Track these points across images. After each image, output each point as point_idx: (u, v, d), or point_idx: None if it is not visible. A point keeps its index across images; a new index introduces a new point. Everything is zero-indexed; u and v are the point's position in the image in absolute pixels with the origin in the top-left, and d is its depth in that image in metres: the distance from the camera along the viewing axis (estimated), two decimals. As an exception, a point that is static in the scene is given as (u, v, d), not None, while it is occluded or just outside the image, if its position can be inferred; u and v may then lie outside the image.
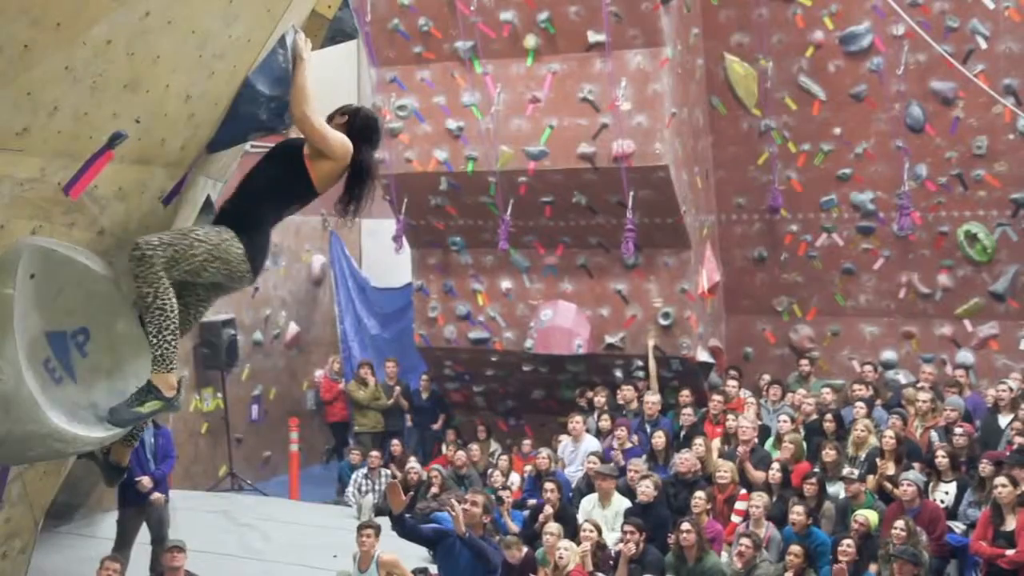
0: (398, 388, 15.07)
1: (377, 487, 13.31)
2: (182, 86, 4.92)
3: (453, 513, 6.90)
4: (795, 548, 9.47)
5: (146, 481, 9.82)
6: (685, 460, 11.28)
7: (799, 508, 9.88)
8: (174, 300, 4.91)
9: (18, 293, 4.63)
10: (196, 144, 5.39)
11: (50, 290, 4.79)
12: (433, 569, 10.86)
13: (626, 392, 13.28)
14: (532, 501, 11.78)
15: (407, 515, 7.20)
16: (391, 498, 6.97)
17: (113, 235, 5.16)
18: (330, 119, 5.54)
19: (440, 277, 14.75)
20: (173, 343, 4.89)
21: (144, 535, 10.03)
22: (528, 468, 12.81)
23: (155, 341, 4.87)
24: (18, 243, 4.70)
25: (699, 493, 10.54)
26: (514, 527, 11.35)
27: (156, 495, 9.92)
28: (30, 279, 4.71)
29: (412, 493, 12.39)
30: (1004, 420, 11.51)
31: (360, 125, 5.55)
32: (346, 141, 5.42)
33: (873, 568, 9.42)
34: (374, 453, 13.68)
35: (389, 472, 13.55)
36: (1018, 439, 10.65)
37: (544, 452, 12.57)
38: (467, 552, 6.79)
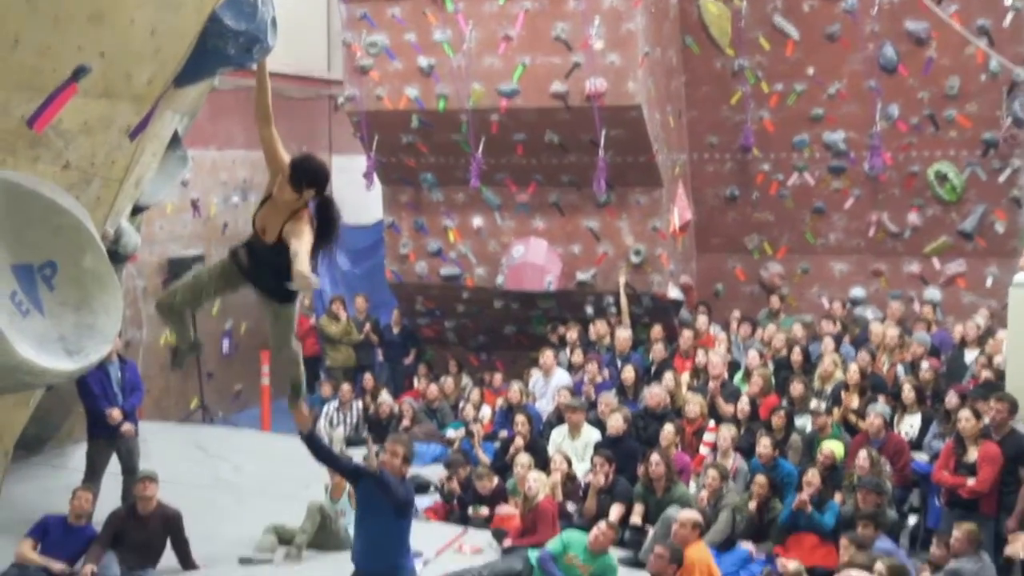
0: (368, 324, 15.12)
1: (348, 420, 13.42)
2: (148, 20, 4.89)
3: (369, 454, 6.96)
4: (760, 479, 9.66)
5: (116, 414, 9.85)
6: (654, 394, 11.41)
7: (766, 440, 10.04)
8: None
9: (-17, 226, 4.63)
10: (163, 78, 5.37)
11: (16, 224, 4.79)
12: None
13: (599, 327, 13.38)
14: (503, 433, 11.91)
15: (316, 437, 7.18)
16: (295, 417, 6.98)
17: (79, 169, 5.16)
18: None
19: (411, 214, 14.74)
20: None
21: (114, 466, 10.08)
22: (499, 402, 12.94)
23: None
24: (-18, 177, 4.69)
25: (668, 426, 10.69)
26: (485, 459, 11.51)
27: (126, 426, 9.95)
28: (-5, 212, 4.71)
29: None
30: (970, 356, 11.70)
31: (295, 178, 5.59)
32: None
33: (838, 498, 9.62)
34: (345, 386, 13.75)
35: (360, 405, 13.65)
36: (984, 373, 10.84)
37: (515, 386, 12.69)
38: (380, 492, 6.86)
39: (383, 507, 6.81)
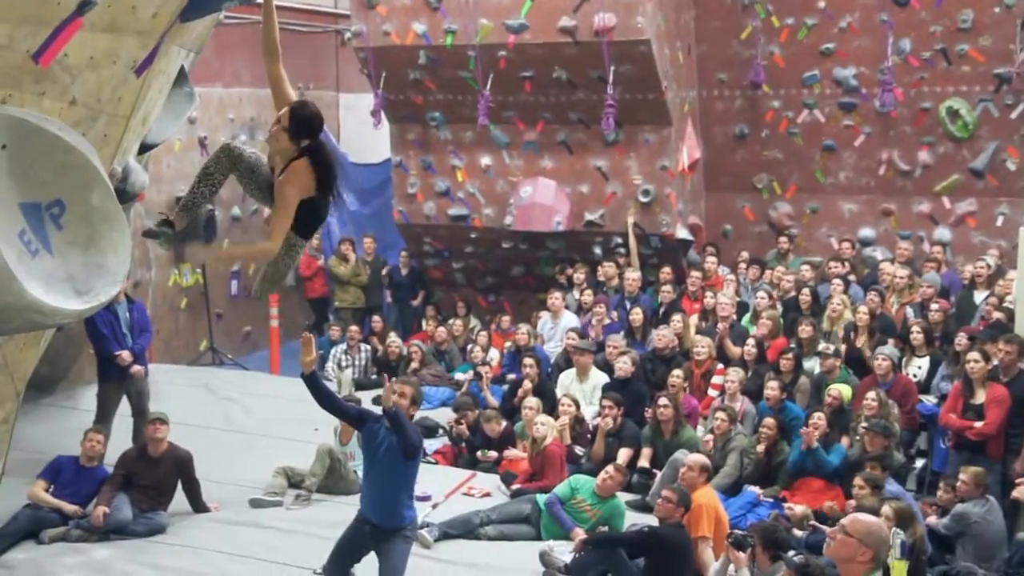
0: (386, 268, 15.09)
1: (357, 362, 13.44)
2: (152, -49, 4.79)
3: (386, 387, 6.80)
4: (768, 421, 9.66)
5: (126, 355, 9.87)
6: (663, 336, 11.39)
7: (773, 383, 10.03)
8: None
9: (-10, 164, 4.57)
10: (168, 12, 5.28)
11: (22, 161, 4.72)
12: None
13: (607, 269, 13.32)
14: (511, 376, 11.93)
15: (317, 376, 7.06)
16: (302, 354, 6.87)
17: (85, 105, 5.08)
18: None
19: (419, 153, 14.63)
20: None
21: (125, 407, 10.11)
22: (508, 344, 12.94)
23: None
24: (-13, 113, 4.62)
25: (676, 371, 10.67)
26: (494, 401, 11.52)
27: (136, 368, 9.97)
28: (1, 149, 4.64)
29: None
30: (980, 296, 11.61)
31: (297, 129, 5.39)
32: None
33: (845, 440, 9.62)
34: (353, 328, 13.77)
35: (369, 347, 13.65)
36: (995, 314, 10.80)
37: (523, 328, 12.69)
38: (390, 437, 6.71)
39: (392, 449, 6.74)
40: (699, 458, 8.52)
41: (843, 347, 10.87)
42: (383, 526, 6.80)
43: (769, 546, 7.11)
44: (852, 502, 8.42)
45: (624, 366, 10.87)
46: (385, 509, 6.81)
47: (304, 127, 5.32)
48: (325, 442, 9.80)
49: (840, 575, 4.63)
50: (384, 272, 15.06)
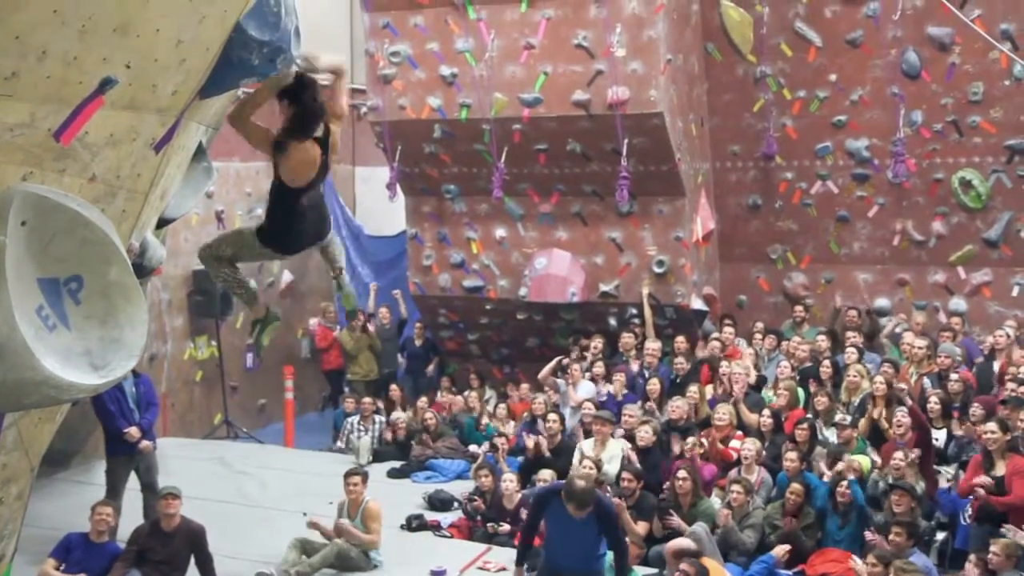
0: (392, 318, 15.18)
1: (372, 433, 13.40)
2: (172, 31, 4.86)
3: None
4: (796, 487, 9.60)
5: (134, 431, 9.83)
6: (677, 408, 11.34)
7: (792, 454, 9.96)
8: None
9: (10, 240, 4.61)
10: (188, 90, 5.35)
11: (42, 237, 4.76)
12: (429, 516, 11.01)
13: (626, 340, 13.30)
14: (529, 443, 11.73)
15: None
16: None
17: (105, 181, 5.13)
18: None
19: (434, 225, 14.71)
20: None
21: (135, 481, 10.08)
22: (524, 413, 12.90)
23: None
24: (9, 190, 4.67)
25: (691, 439, 10.64)
26: (510, 473, 11.42)
27: (144, 443, 9.93)
28: (21, 226, 4.68)
29: None
30: (999, 367, 11.55)
31: (293, 92, 5.80)
32: None
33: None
34: (367, 400, 13.75)
35: (383, 418, 13.62)
36: (1010, 385, 10.71)
37: (540, 397, 12.64)
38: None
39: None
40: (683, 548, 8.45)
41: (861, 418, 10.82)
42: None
43: None
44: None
45: (645, 435, 10.84)
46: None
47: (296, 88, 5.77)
48: (299, 535, 9.77)
49: None
50: (418, 329, 15.21)
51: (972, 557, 8.59)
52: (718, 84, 14.16)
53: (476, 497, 10.74)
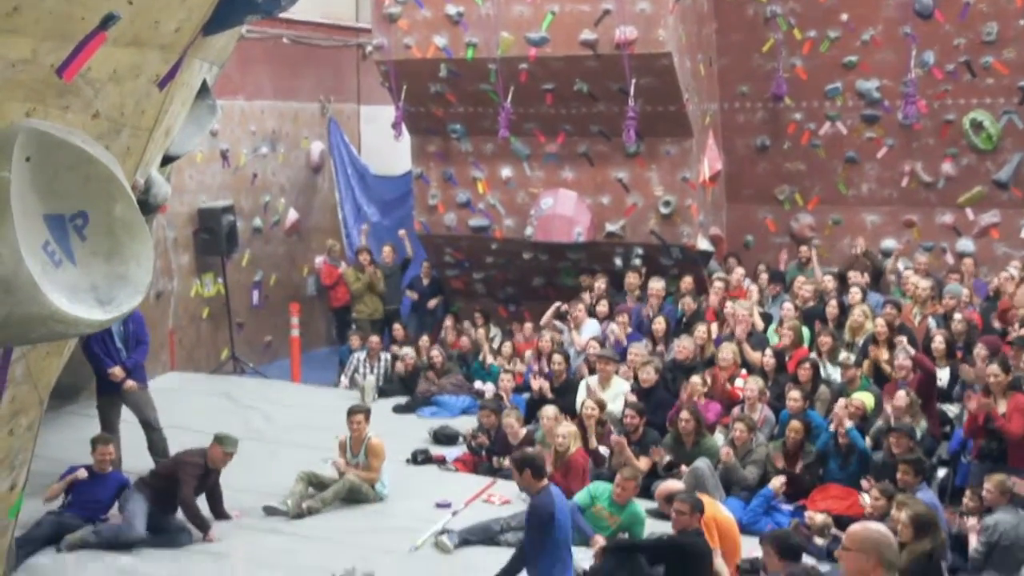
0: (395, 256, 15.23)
1: (377, 371, 13.49)
2: (175, -34, 4.85)
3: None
4: (795, 424, 9.67)
5: (117, 371, 9.84)
6: (684, 348, 11.40)
7: (795, 393, 10.01)
8: None
9: (14, 176, 4.63)
10: (191, 27, 5.33)
11: (47, 173, 4.78)
12: (435, 450, 11.14)
13: (631, 280, 13.33)
14: (535, 383, 11.84)
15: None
16: None
17: (108, 118, 5.14)
18: None
19: (440, 165, 14.68)
20: None
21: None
22: (529, 352, 12.98)
23: None
24: (13, 126, 4.68)
25: (694, 378, 10.71)
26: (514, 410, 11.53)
27: (129, 384, 9.93)
28: (26, 162, 4.70)
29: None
30: (999, 305, 11.57)
31: None
32: None
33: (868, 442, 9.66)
34: (374, 338, 13.83)
35: (388, 355, 13.72)
36: (1017, 327, 10.74)
37: (547, 335, 12.70)
38: None
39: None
40: (672, 487, 8.50)
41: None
42: None
43: (785, 555, 7.09)
44: (868, 510, 8.43)
45: (648, 376, 10.91)
46: None
47: None
48: (307, 469, 9.88)
49: None
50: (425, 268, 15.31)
51: (968, 492, 8.70)
52: (727, 24, 14.03)
53: (480, 433, 10.85)
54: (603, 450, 10.20)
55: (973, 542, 8.29)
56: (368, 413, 10.00)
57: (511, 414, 10.63)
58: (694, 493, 8.03)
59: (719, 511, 8.40)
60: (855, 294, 12.01)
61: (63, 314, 4.79)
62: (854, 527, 4.68)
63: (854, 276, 12.64)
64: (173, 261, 14.18)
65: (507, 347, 13.46)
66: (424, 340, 13.88)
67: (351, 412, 9.93)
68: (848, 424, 9.40)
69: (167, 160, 7.80)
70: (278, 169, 16.24)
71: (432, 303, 15.22)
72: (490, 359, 13.32)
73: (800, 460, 9.67)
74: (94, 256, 5.07)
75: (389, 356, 13.71)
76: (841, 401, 9.80)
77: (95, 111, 5.04)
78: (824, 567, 7.85)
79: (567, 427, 9.94)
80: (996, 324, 11.26)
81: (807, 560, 7.49)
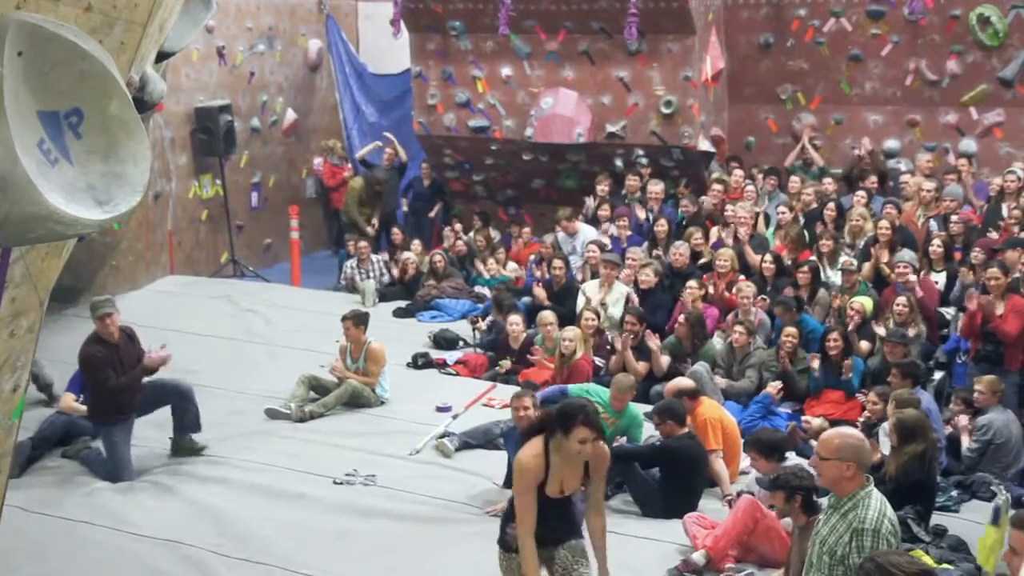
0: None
1: (372, 274, 13.48)
2: None
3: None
4: (790, 330, 9.69)
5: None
6: (680, 255, 11.36)
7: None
8: None
9: (7, 71, 4.52)
10: (183, -84, 5.17)
11: (39, 69, 4.67)
12: (435, 354, 11.21)
13: (631, 183, 13.23)
14: (535, 285, 11.88)
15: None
16: None
17: (101, 12, 5.01)
18: None
19: (439, 63, 14.47)
20: None
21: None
22: (532, 256, 12.96)
23: None
24: (3, 18, 4.56)
25: (691, 282, 10.71)
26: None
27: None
28: (17, 56, 4.59)
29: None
30: (1007, 209, 11.50)
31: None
32: None
33: (865, 345, 9.67)
34: (362, 243, 13.76)
35: (379, 257, 13.70)
36: (1015, 228, 10.71)
37: (547, 239, 12.69)
38: None
39: None
40: (681, 384, 8.52)
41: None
42: None
43: (768, 454, 7.21)
44: (867, 414, 8.49)
45: (647, 278, 10.91)
46: None
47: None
48: (307, 372, 9.93)
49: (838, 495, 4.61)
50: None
51: (954, 396, 8.76)
52: (732, -83, 13.72)
53: (479, 317, 10.97)
54: (598, 361, 10.22)
55: (966, 442, 8.38)
56: (358, 318, 9.96)
57: (513, 318, 10.68)
58: (679, 403, 8.08)
59: (724, 414, 8.48)
60: (861, 197, 11.93)
61: (61, 214, 4.72)
62: (827, 434, 4.71)
63: (869, 181, 12.52)
64: (171, 162, 14.06)
65: (500, 254, 13.45)
66: (416, 245, 13.81)
67: (344, 319, 9.95)
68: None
69: (162, 57, 7.64)
70: (275, 67, 16.00)
71: (432, 212, 15.11)
72: (491, 263, 13.29)
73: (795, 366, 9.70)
74: (90, 155, 4.98)
75: (381, 260, 13.68)
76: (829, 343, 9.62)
77: (87, 4, 4.91)
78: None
79: (574, 330, 9.95)
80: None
81: (799, 461, 7.57)
